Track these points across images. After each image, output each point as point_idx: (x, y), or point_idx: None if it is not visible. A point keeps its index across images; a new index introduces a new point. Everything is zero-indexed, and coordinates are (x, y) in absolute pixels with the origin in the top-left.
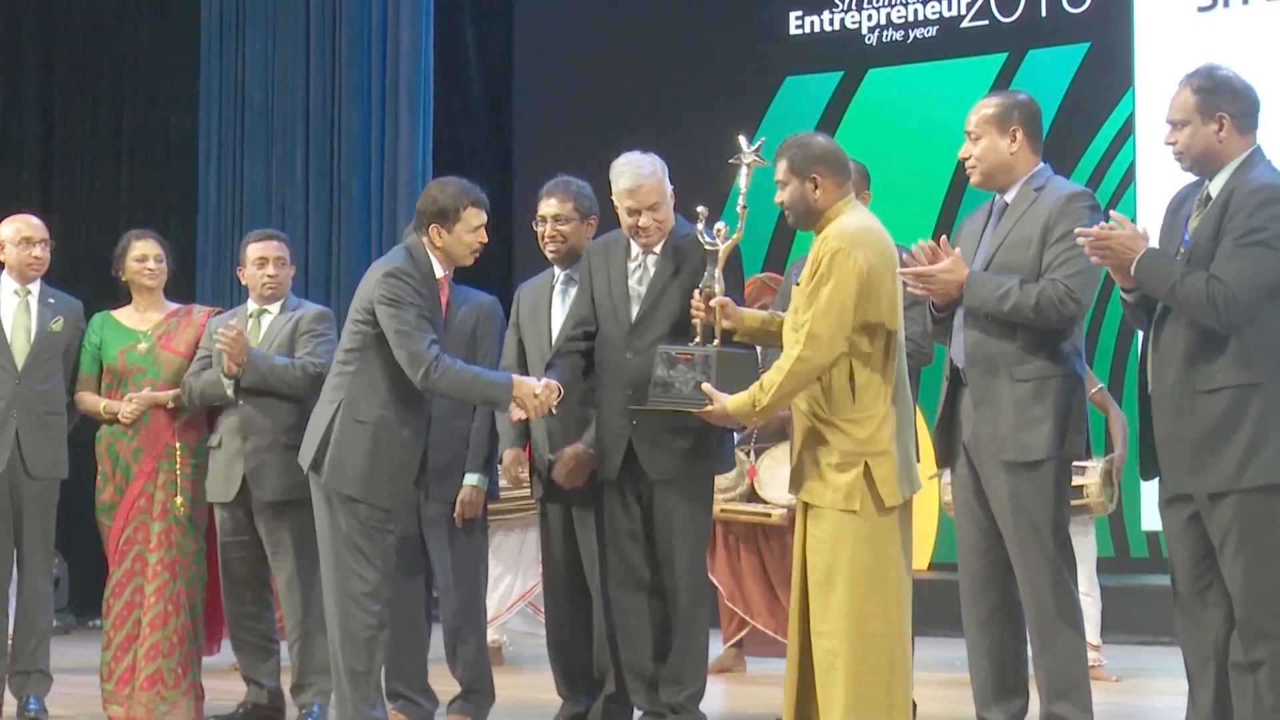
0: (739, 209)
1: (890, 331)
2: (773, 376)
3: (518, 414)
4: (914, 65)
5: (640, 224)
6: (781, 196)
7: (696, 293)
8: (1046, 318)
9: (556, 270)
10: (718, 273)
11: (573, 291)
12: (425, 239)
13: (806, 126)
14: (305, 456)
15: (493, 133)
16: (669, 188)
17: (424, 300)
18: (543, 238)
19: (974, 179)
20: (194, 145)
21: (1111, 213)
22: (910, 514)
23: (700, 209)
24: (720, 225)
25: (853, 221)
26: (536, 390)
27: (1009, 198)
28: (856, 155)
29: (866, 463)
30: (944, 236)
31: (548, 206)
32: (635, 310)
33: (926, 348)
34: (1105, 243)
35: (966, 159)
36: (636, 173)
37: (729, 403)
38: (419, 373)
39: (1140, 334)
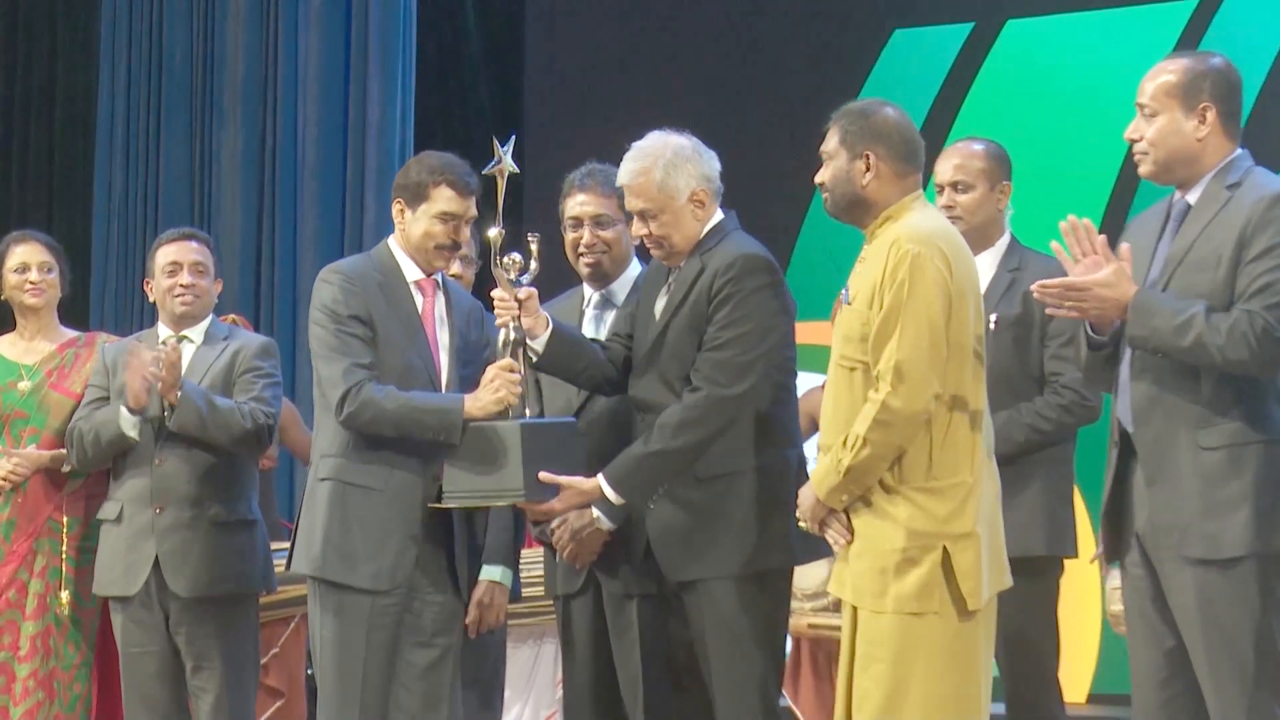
0: (497, 233)
1: (978, 368)
2: (858, 428)
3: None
4: (1069, 15)
5: (634, 232)
6: (822, 174)
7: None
8: (1238, 361)
9: (587, 290)
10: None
11: (610, 317)
12: (397, 226)
13: (920, 97)
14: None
15: (497, 107)
16: (682, 186)
17: (355, 305)
18: (575, 246)
19: (1143, 169)
20: (90, 114)
21: None
22: (994, 618)
23: (492, 232)
24: (512, 258)
25: (927, 222)
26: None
27: (1192, 197)
28: (990, 133)
29: (945, 548)
30: (1102, 236)
31: (581, 204)
32: (647, 349)
33: (1091, 399)
34: None
35: (1136, 141)
36: (624, 170)
37: (813, 474)
38: (334, 405)
39: None
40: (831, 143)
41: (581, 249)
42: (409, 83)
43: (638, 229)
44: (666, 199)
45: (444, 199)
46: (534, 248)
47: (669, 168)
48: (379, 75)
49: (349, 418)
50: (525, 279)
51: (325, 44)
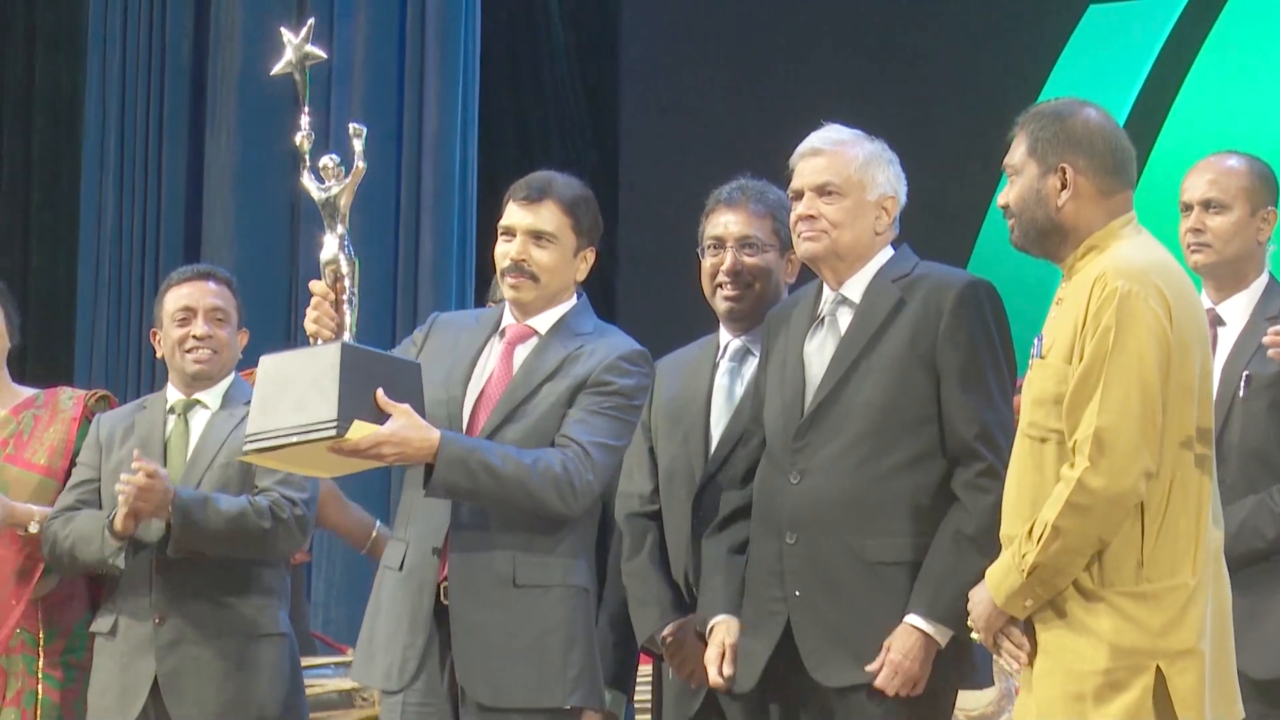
0: (303, 139)
1: (1204, 441)
2: (1048, 515)
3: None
4: None
5: (801, 212)
6: (1006, 194)
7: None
8: None
9: (723, 335)
10: (341, 231)
11: (749, 371)
12: None
13: (1121, 92)
14: None
15: (585, 105)
16: (880, 182)
17: (416, 339)
18: (713, 274)
19: None
20: (76, 121)
21: None
22: None
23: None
24: (328, 160)
25: (1142, 253)
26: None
27: None
28: (1218, 135)
29: (1159, 670)
30: None
31: (726, 223)
32: (808, 400)
33: None
34: None
35: None
36: (821, 137)
37: (989, 573)
38: None
39: None
40: (1018, 154)
41: (721, 277)
42: (472, 81)
43: (805, 206)
44: (859, 185)
45: (506, 213)
46: (358, 145)
47: (874, 157)
48: (437, 72)
49: None
50: (336, 186)
51: (375, 32)
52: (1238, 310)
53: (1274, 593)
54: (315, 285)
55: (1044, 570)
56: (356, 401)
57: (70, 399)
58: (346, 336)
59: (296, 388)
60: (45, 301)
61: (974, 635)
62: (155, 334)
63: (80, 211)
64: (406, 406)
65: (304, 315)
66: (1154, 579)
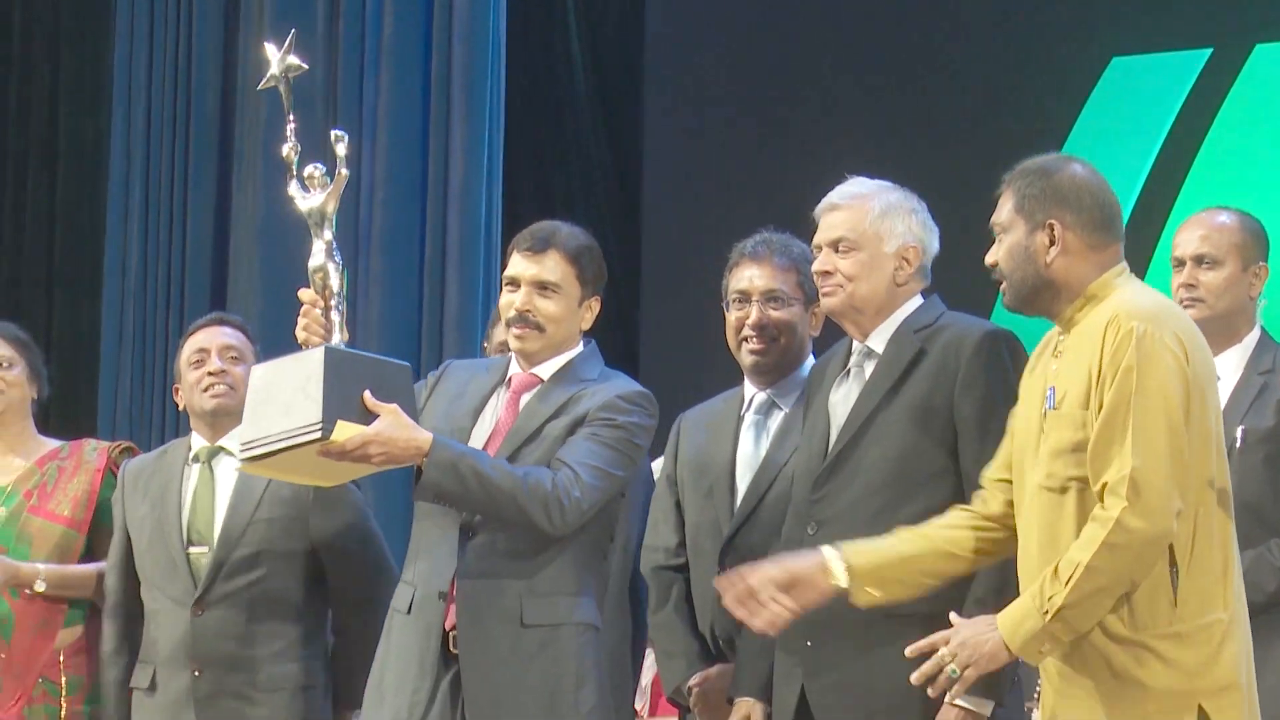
0: (289, 150)
1: (1222, 478)
2: (1079, 555)
3: None
4: None
5: (816, 267)
6: (995, 253)
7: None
8: None
9: (748, 388)
10: (329, 238)
11: (775, 425)
12: None
13: (1146, 139)
14: None
15: (608, 155)
16: (898, 232)
17: (429, 382)
18: (738, 328)
19: None
20: (100, 171)
21: None
22: None
23: (284, 149)
24: (313, 169)
25: (1147, 297)
26: None
27: None
28: (1242, 187)
29: (1201, 709)
30: None
31: (750, 277)
32: (830, 447)
33: None
34: None
35: None
36: (840, 191)
37: (1001, 617)
38: None
39: None
40: (1005, 211)
41: (746, 331)
42: (497, 133)
43: (821, 261)
44: (874, 238)
45: (510, 264)
46: (340, 150)
47: (891, 208)
48: (462, 124)
49: None
50: (321, 194)
51: (400, 85)
52: (1230, 365)
53: (1272, 645)
54: (304, 293)
55: (1071, 611)
56: (343, 403)
57: (95, 450)
58: (336, 340)
59: (284, 394)
60: (69, 352)
61: (951, 667)
62: (177, 389)
63: (104, 262)
64: (394, 406)
65: None
66: (1188, 618)
